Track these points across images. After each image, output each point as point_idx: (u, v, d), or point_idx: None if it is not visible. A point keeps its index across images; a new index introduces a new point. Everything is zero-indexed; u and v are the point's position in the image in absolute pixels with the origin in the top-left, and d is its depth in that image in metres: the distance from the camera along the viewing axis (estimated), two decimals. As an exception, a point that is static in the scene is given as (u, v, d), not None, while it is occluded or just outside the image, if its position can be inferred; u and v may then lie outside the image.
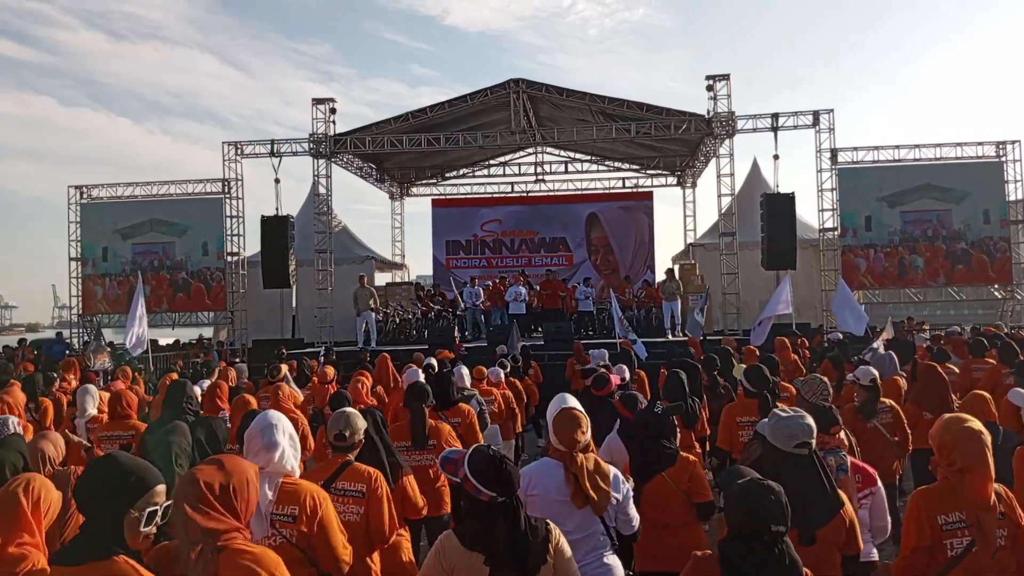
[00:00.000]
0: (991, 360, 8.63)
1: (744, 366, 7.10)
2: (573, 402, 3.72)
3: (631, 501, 3.69)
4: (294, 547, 3.07)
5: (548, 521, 2.90)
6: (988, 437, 3.14)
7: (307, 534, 3.10)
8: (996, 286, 20.26)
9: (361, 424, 3.90)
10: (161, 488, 2.21)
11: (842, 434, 4.00)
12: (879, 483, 3.88)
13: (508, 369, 9.78)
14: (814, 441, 3.24)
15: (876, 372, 6.03)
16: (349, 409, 4.06)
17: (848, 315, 13.78)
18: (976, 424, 3.17)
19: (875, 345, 10.00)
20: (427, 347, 14.87)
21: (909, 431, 5.91)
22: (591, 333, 17.84)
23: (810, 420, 3.28)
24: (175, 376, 9.45)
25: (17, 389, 6.58)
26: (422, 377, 6.96)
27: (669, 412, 4.37)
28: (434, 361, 10.04)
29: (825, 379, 5.42)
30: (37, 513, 2.79)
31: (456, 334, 17.13)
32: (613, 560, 3.58)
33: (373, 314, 17.45)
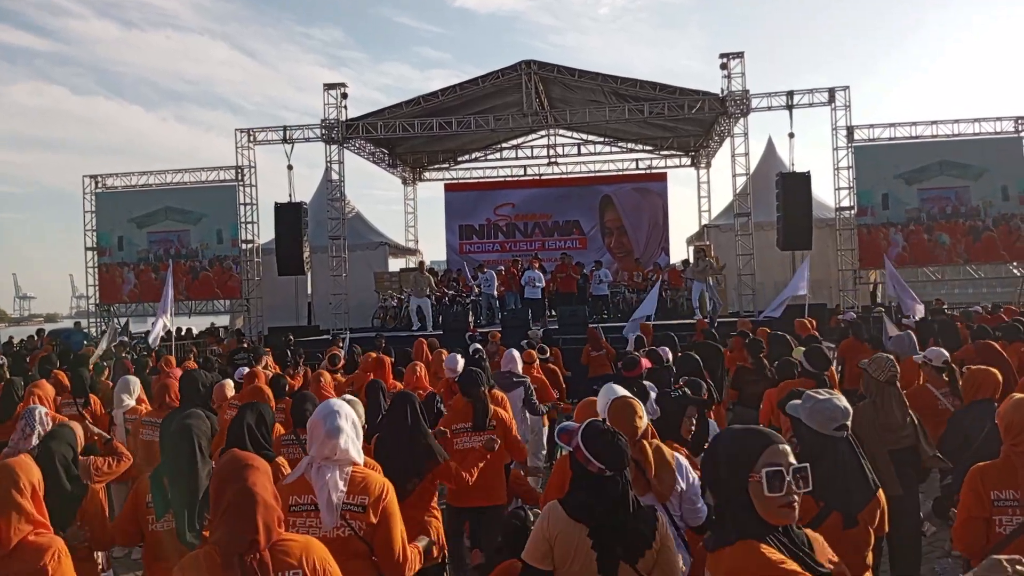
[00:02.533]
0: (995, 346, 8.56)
1: (803, 348, 6.98)
2: (622, 391, 3.70)
3: (699, 490, 3.56)
4: (361, 540, 3.01)
5: (655, 507, 2.87)
6: None
7: (374, 525, 3.03)
8: (1015, 264, 20.03)
9: (361, 412, 3.89)
10: None
11: None
12: None
13: (547, 355, 9.78)
14: (850, 423, 3.18)
15: (947, 354, 5.84)
16: (349, 396, 4.11)
17: (906, 298, 13.28)
18: None
19: (888, 329, 9.85)
20: (441, 333, 14.89)
21: None
22: (606, 316, 17.80)
23: (846, 402, 3.21)
24: (193, 365, 9.53)
25: (46, 383, 6.62)
26: (460, 363, 6.95)
27: (684, 402, 4.33)
28: (479, 345, 10.00)
29: (891, 357, 5.13)
30: (36, 497, 2.82)
31: (470, 319, 17.14)
32: (681, 556, 3.52)
33: (428, 300, 17.49)
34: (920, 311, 12.93)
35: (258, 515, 2.24)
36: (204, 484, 3.28)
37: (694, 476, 3.58)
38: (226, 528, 2.24)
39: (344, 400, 3.83)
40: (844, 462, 3.11)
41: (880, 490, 3.18)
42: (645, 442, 3.52)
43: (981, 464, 3.30)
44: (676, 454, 3.63)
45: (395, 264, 24.46)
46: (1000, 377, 4.98)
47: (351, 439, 3.07)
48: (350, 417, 3.14)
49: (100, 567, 3.79)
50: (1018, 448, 3.16)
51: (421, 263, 18.49)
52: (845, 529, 3.00)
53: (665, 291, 18.38)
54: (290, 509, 2.98)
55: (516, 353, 7.55)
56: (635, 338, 10.11)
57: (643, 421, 3.53)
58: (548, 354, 10.06)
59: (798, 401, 3.31)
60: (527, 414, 7.34)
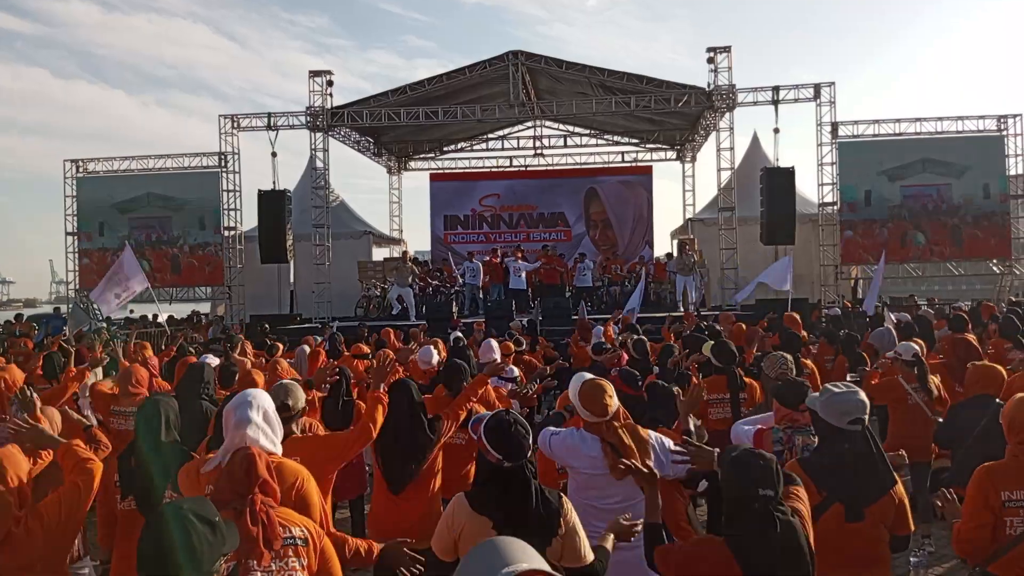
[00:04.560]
0: (971, 336, 8.67)
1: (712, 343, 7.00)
2: (589, 376, 3.74)
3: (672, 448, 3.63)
4: None
5: (561, 493, 2.89)
6: None
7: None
8: (995, 261, 20.23)
9: (301, 394, 3.88)
10: None
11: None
12: None
13: (523, 347, 9.74)
14: (867, 417, 3.15)
15: (917, 347, 5.91)
16: (287, 380, 4.08)
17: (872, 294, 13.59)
18: None
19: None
20: (424, 322, 14.86)
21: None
22: (590, 308, 17.82)
23: (863, 396, 3.18)
24: (146, 345, 9.43)
25: (15, 368, 6.53)
26: (435, 358, 6.90)
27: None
28: (460, 334, 9.98)
29: (787, 356, 5.44)
30: (23, 487, 2.80)
31: (454, 309, 17.12)
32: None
33: (411, 289, 17.44)
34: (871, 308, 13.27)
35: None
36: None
37: (668, 442, 3.61)
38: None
39: (283, 386, 3.83)
40: (854, 455, 3.07)
41: (898, 487, 3.12)
42: (617, 424, 3.55)
43: (989, 464, 3.27)
44: (648, 430, 3.66)
45: (379, 253, 24.36)
46: (1005, 374, 5.02)
47: (261, 429, 3.06)
48: (262, 407, 3.13)
49: (77, 552, 3.76)
50: None
51: (405, 252, 18.48)
52: (848, 522, 2.99)
53: (649, 284, 18.43)
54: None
55: (494, 343, 7.56)
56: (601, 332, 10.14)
57: (614, 401, 3.57)
58: (524, 346, 10.03)
59: (816, 394, 3.32)
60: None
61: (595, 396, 3.55)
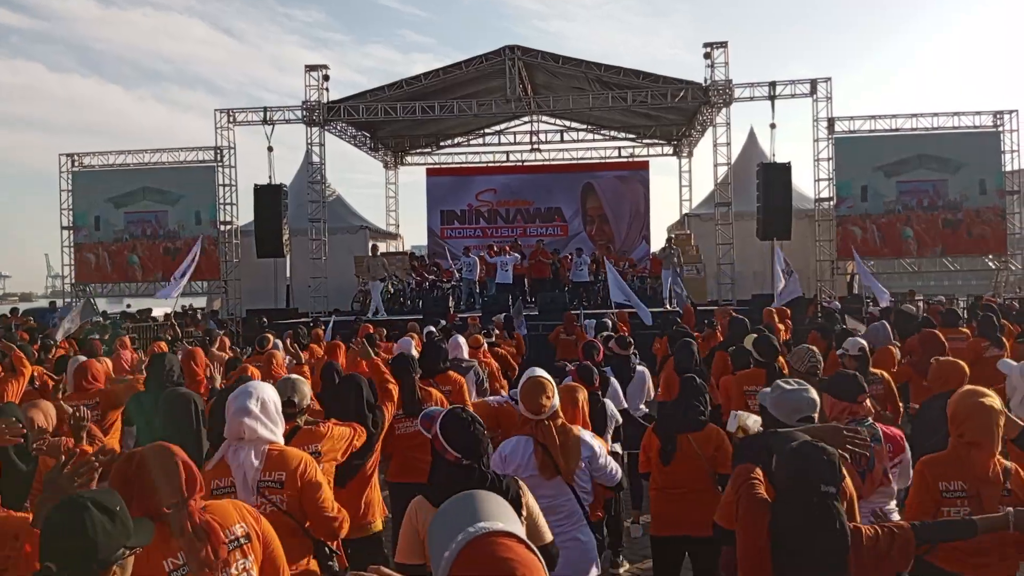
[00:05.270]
0: (964, 331, 8.73)
1: (754, 336, 7.05)
2: (541, 372, 3.80)
3: (604, 456, 3.73)
4: (284, 514, 3.07)
5: (517, 479, 2.91)
6: (1000, 413, 3.19)
7: (296, 498, 3.10)
8: (990, 256, 20.28)
9: (308, 391, 3.93)
10: None
11: (869, 402, 3.92)
12: (907, 448, 3.86)
13: (492, 339, 9.75)
14: (816, 415, 3.18)
15: (864, 342, 5.99)
16: (295, 376, 4.12)
17: (875, 288, 13.66)
18: (991, 400, 3.21)
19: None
20: (422, 317, 14.87)
21: (900, 403, 5.91)
22: (586, 304, 17.83)
23: (813, 393, 3.21)
24: (163, 346, 9.46)
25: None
26: (414, 348, 6.96)
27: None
28: (433, 329, 10.00)
29: (813, 348, 5.35)
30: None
31: (451, 304, 17.13)
32: (586, 535, 3.58)
33: (380, 284, 17.45)
34: (886, 298, 13.28)
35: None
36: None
37: (598, 444, 3.71)
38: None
39: (290, 382, 3.85)
40: None
41: (847, 484, 3.11)
42: (550, 422, 3.58)
43: (929, 456, 3.34)
44: (579, 428, 3.73)
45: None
46: (967, 369, 5.04)
47: (261, 420, 3.12)
48: (262, 398, 3.19)
49: None
50: (963, 439, 3.19)
51: (374, 246, 18.33)
52: None
53: (646, 279, 18.48)
54: (212, 493, 3.04)
55: (461, 339, 7.68)
56: (595, 324, 10.13)
57: (551, 400, 3.63)
58: (493, 338, 9.97)
59: (768, 389, 3.32)
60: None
61: (533, 393, 3.63)
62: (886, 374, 6.04)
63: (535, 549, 1.38)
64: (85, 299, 16.80)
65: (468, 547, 1.36)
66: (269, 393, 3.27)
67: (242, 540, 2.44)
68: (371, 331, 10.26)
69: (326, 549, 3.22)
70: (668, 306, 16.25)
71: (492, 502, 1.51)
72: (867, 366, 5.80)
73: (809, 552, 2.42)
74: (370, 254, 18.10)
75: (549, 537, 2.85)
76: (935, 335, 6.83)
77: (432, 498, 2.77)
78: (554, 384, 3.73)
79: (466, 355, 7.47)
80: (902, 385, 6.70)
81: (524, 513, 2.75)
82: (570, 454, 3.55)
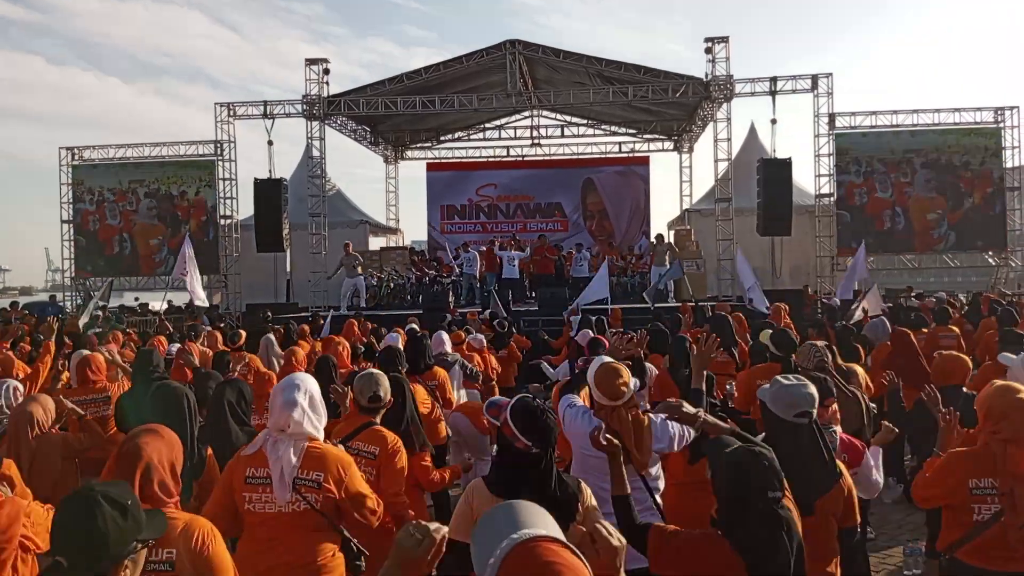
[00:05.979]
0: (955, 328, 8.76)
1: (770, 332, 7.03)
2: (609, 359, 3.78)
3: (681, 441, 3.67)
4: (318, 513, 3.04)
5: (580, 480, 2.89)
6: None
7: (333, 499, 3.06)
8: (990, 252, 20.28)
9: (388, 385, 3.94)
10: None
11: (835, 407, 3.91)
12: (866, 457, 3.77)
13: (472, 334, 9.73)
14: (815, 411, 3.13)
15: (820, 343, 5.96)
16: (375, 371, 4.09)
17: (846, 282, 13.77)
18: None
19: (854, 310, 10.02)
20: (421, 312, 14.86)
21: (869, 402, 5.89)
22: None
23: (812, 389, 3.16)
24: (163, 340, 9.44)
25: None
26: (401, 343, 6.98)
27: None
28: (415, 325, 10.03)
29: (820, 344, 5.26)
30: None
31: (451, 299, 17.11)
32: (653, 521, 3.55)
33: (362, 278, 17.38)
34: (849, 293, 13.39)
35: (138, 472, 2.31)
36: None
37: (674, 428, 3.61)
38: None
39: (373, 377, 3.89)
40: (801, 448, 3.03)
41: (845, 478, 3.11)
42: (625, 411, 3.54)
43: (959, 450, 3.29)
44: (656, 416, 3.64)
45: (375, 243, 24.37)
46: (970, 364, 5.04)
47: (307, 414, 3.07)
48: (309, 392, 3.13)
49: None
50: (998, 435, 3.14)
51: (347, 244, 18.14)
52: (803, 517, 2.98)
53: (647, 275, 18.40)
54: (246, 481, 3.02)
55: (445, 335, 7.71)
56: (579, 321, 10.07)
57: (629, 385, 3.59)
58: (473, 333, 9.99)
59: (767, 384, 3.29)
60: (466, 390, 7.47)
61: (609, 378, 3.58)
62: (859, 369, 5.97)
63: (579, 554, 1.40)
64: (107, 283, 16.86)
65: (514, 551, 1.38)
66: (315, 387, 3.22)
67: (164, 567, 2.22)
68: (355, 327, 10.25)
69: (353, 548, 3.17)
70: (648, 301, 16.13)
71: (533, 511, 1.53)
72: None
73: (774, 562, 2.35)
74: (344, 252, 17.87)
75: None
76: (904, 334, 6.85)
77: (491, 484, 2.75)
78: (627, 369, 3.69)
79: (449, 349, 7.50)
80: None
81: (579, 518, 2.69)
82: (643, 446, 3.49)
